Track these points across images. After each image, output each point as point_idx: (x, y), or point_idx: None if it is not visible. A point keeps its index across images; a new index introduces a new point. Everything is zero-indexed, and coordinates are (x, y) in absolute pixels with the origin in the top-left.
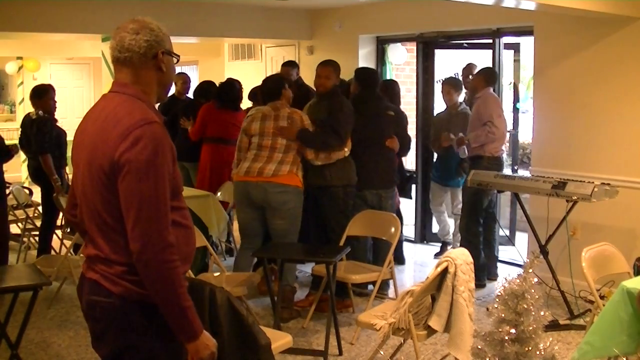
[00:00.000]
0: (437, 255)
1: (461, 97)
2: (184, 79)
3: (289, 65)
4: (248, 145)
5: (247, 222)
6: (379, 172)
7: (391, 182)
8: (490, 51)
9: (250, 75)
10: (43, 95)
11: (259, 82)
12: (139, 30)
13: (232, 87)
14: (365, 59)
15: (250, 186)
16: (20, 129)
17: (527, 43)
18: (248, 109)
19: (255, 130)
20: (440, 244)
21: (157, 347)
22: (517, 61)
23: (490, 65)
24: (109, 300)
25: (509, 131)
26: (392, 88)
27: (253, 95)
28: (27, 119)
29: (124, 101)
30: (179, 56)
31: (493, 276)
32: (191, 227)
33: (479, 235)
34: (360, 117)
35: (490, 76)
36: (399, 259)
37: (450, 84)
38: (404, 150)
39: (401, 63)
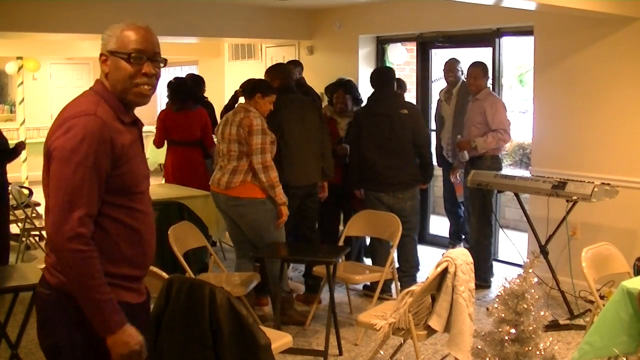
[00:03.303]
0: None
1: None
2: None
3: (291, 64)
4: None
5: (229, 230)
6: (392, 173)
7: (407, 183)
8: (487, 50)
9: (250, 75)
10: None
11: None
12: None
13: (179, 86)
14: (365, 59)
15: (215, 196)
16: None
17: (507, 42)
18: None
19: (219, 135)
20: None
21: (92, 344)
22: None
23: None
24: (47, 292)
25: None
26: (350, 86)
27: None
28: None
29: (84, 95)
30: (128, 54)
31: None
32: (143, 230)
33: (490, 236)
34: (374, 117)
35: (488, 71)
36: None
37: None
38: (424, 147)
39: (401, 63)
